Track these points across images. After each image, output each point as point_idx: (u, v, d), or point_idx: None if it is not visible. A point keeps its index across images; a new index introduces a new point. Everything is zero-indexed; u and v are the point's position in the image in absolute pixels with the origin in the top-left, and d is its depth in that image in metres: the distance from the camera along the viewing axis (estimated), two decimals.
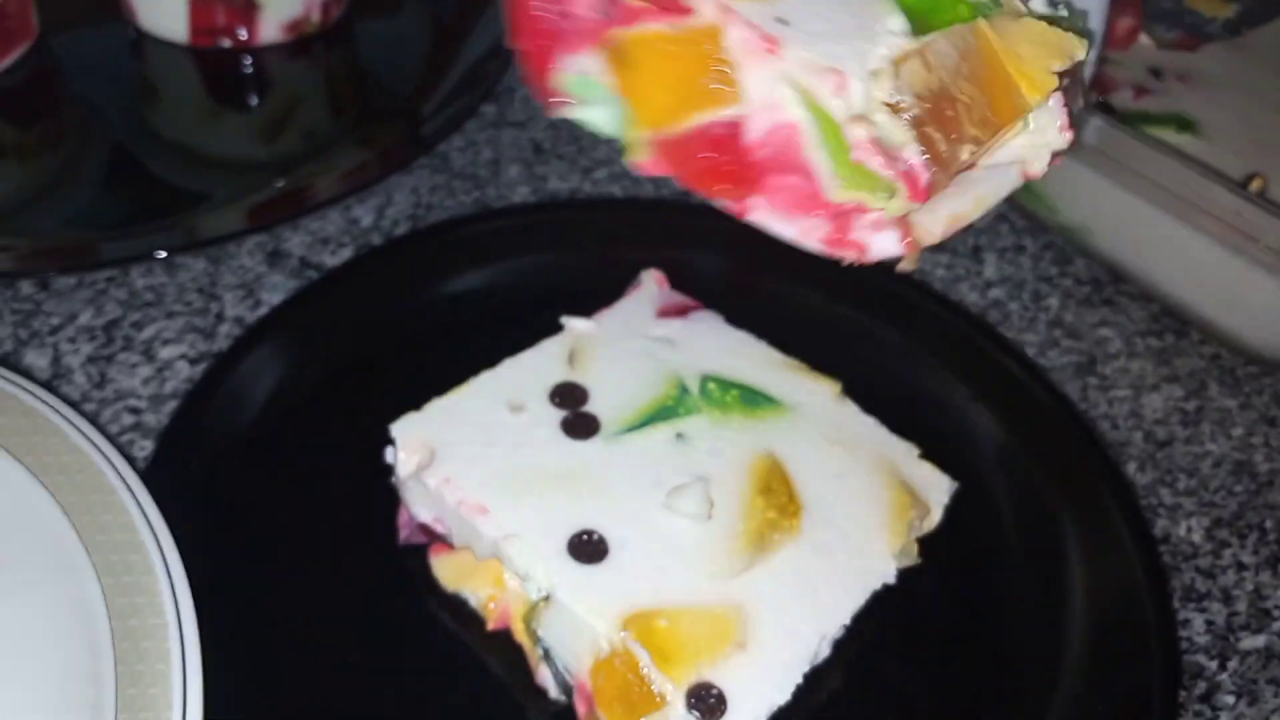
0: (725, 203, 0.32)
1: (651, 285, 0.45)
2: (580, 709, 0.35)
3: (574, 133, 0.60)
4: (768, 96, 0.30)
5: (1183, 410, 0.49)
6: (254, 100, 0.63)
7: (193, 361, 0.46)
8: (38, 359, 0.46)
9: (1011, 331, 0.52)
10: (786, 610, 0.35)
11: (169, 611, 0.32)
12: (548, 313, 0.43)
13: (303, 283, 0.50)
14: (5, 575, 0.34)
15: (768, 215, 0.31)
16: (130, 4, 0.62)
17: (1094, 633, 0.38)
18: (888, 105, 0.29)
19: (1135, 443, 0.47)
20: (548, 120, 0.61)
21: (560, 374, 0.41)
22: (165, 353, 0.47)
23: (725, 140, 0.30)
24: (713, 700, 0.33)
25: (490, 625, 0.37)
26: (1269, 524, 0.45)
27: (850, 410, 0.42)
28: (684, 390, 0.41)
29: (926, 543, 0.40)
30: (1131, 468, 0.46)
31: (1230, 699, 0.39)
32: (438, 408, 0.39)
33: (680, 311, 0.44)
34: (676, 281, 0.46)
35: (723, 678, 0.33)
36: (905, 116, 0.29)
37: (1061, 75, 0.32)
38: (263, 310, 0.48)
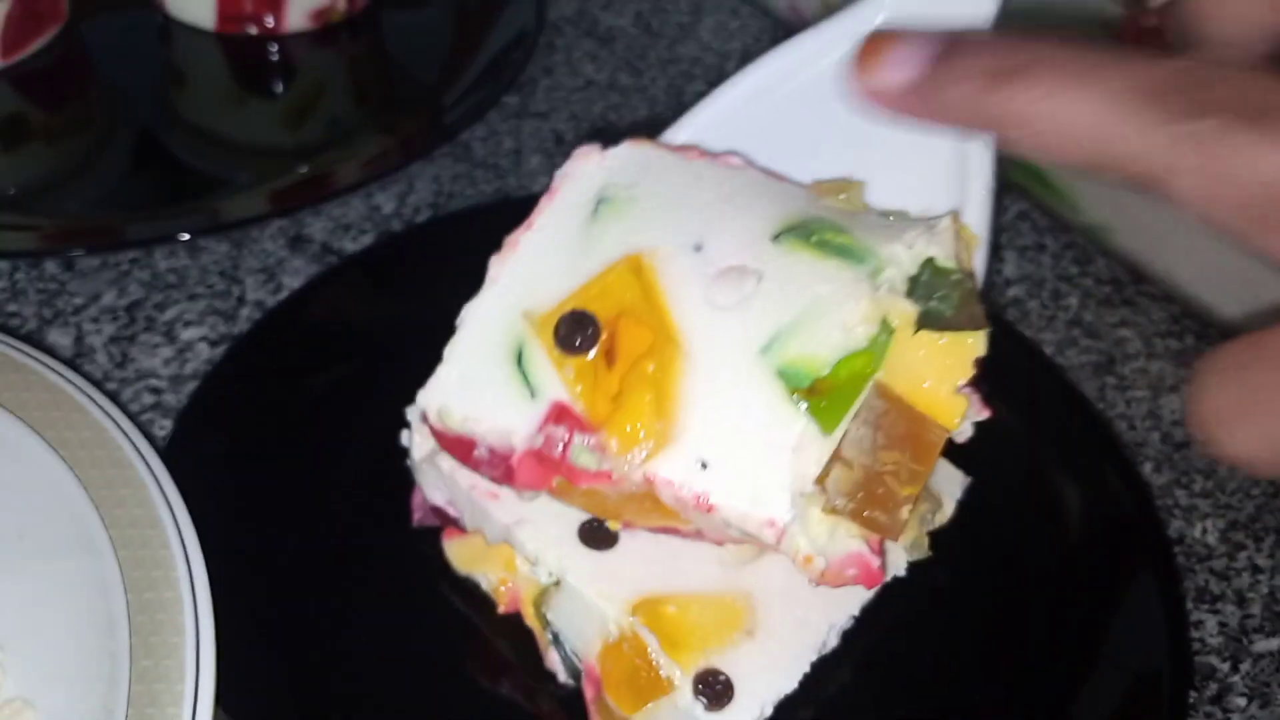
0: None
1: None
2: (588, 693, 0.35)
3: (594, 124, 0.60)
4: (719, 532, 0.32)
5: None
6: (279, 87, 0.64)
7: (213, 343, 0.47)
8: (61, 338, 0.46)
9: (1030, 330, 0.52)
10: (795, 599, 0.35)
11: (184, 586, 0.33)
12: None
13: (323, 267, 0.50)
14: (26, 546, 0.35)
15: None
16: None
17: (1105, 631, 0.38)
18: (825, 511, 0.31)
19: (1152, 443, 0.47)
20: (570, 111, 0.61)
21: None
22: (186, 334, 0.47)
23: (691, 534, 0.33)
24: (719, 686, 0.33)
25: (501, 608, 0.37)
26: None
27: None
28: None
29: (937, 536, 0.39)
30: (1148, 468, 0.46)
31: (1242, 700, 0.39)
32: None
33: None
34: None
35: (730, 665, 0.33)
36: (844, 513, 0.31)
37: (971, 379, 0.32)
38: (284, 294, 0.49)
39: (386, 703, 0.35)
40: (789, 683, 0.34)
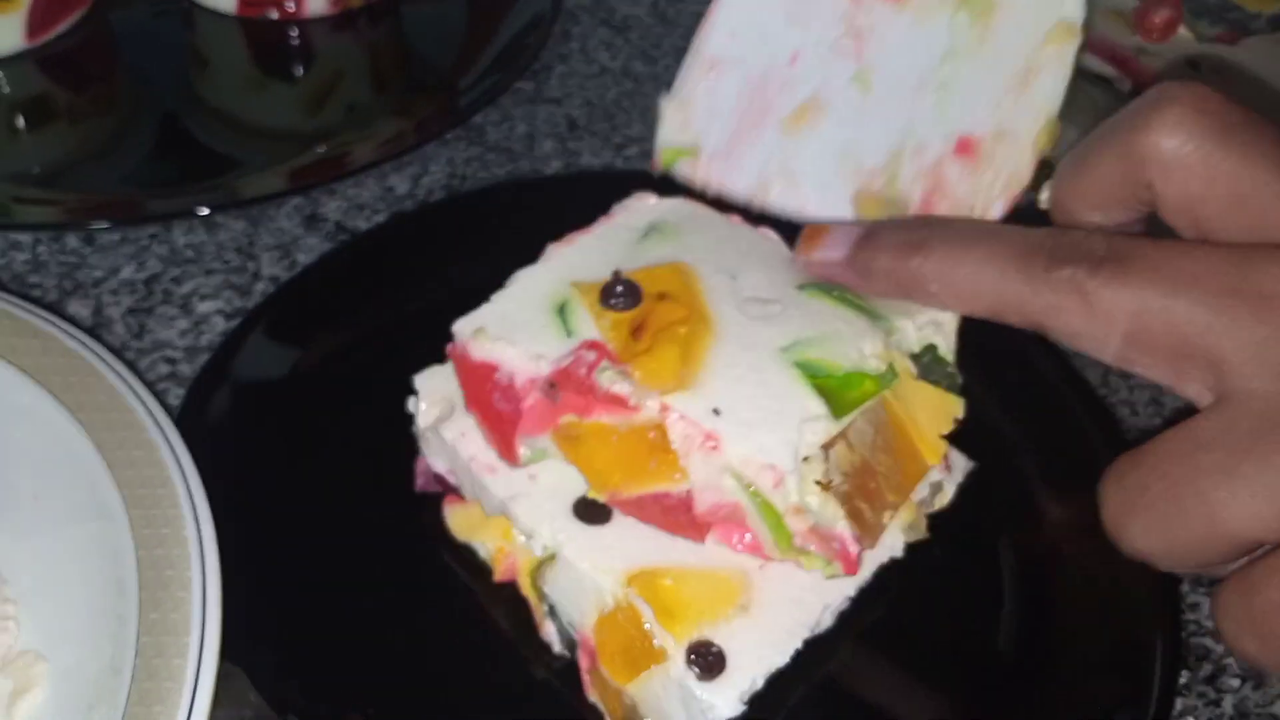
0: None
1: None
2: (583, 664, 0.36)
3: (608, 110, 0.61)
4: (712, 480, 0.33)
5: None
6: (299, 71, 0.65)
7: (228, 316, 0.48)
8: (80, 309, 0.48)
9: None
10: (791, 578, 0.36)
11: (192, 544, 0.33)
12: None
13: (335, 244, 0.51)
14: (41, 506, 0.36)
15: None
16: None
17: (1099, 614, 0.38)
18: (819, 484, 0.32)
19: (1155, 429, 0.47)
20: (583, 97, 0.62)
21: None
22: (202, 307, 0.48)
23: (675, 506, 0.34)
24: (711, 658, 0.33)
25: (497, 577, 0.38)
26: None
27: None
28: None
29: (936, 518, 0.40)
30: None
31: (1235, 682, 0.39)
32: None
33: None
34: None
35: (724, 637, 0.34)
36: (836, 493, 0.33)
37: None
38: (298, 271, 0.50)
39: (383, 664, 0.36)
40: (781, 657, 0.34)
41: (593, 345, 0.34)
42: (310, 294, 0.46)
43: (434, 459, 0.39)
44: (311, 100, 0.62)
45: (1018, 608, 0.39)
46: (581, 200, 0.42)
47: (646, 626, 0.34)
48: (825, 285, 0.37)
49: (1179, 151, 0.28)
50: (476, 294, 0.37)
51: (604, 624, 0.35)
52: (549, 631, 0.37)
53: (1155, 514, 0.27)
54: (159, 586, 0.32)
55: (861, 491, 0.34)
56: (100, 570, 0.34)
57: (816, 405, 0.33)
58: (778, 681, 0.34)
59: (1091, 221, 0.31)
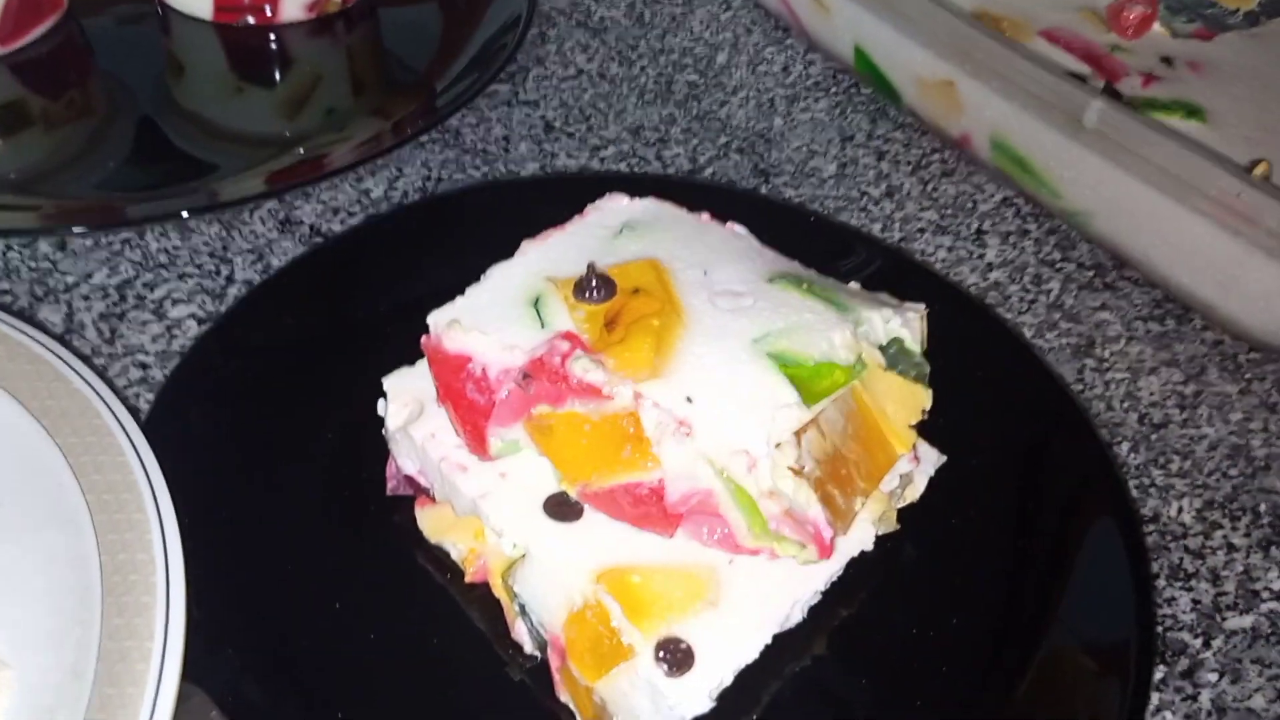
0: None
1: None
2: (554, 663, 0.36)
3: (584, 112, 0.61)
4: (685, 468, 0.34)
5: (1180, 394, 0.48)
6: (275, 76, 0.64)
7: (201, 321, 0.48)
8: (52, 314, 0.47)
9: (1010, 313, 0.52)
10: (760, 574, 0.36)
11: (157, 548, 0.33)
12: None
13: (308, 248, 0.51)
14: (5, 511, 0.36)
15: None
16: None
17: (1071, 606, 0.38)
18: (792, 469, 0.33)
19: (1130, 424, 0.47)
20: (560, 100, 0.62)
21: None
22: (175, 312, 0.48)
23: (647, 497, 0.34)
24: (680, 654, 0.33)
25: (469, 578, 0.38)
26: (1264, 507, 0.44)
27: None
28: None
29: (906, 511, 0.40)
30: (1125, 448, 0.46)
31: (1213, 676, 0.39)
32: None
33: None
34: None
35: (692, 634, 0.34)
36: (809, 478, 0.33)
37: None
38: (270, 273, 0.50)
39: (353, 670, 0.36)
40: (750, 653, 0.34)
41: (567, 336, 0.35)
42: (282, 297, 0.46)
43: (404, 460, 0.39)
44: (287, 105, 0.62)
45: (989, 601, 0.39)
46: (556, 202, 0.42)
47: (615, 623, 0.34)
48: (795, 278, 0.38)
49: None
50: (449, 297, 0.37)
51: (573, 621, 0.35)
52: (520, 631, 0.37)
53: None
54: (123, 591, 0.32)
55: (833, 477, 0.35)
56: (65, 576, 0.33)
57: (788, 393, 0.34)
58: (747, 677, 0.34)
59: None
